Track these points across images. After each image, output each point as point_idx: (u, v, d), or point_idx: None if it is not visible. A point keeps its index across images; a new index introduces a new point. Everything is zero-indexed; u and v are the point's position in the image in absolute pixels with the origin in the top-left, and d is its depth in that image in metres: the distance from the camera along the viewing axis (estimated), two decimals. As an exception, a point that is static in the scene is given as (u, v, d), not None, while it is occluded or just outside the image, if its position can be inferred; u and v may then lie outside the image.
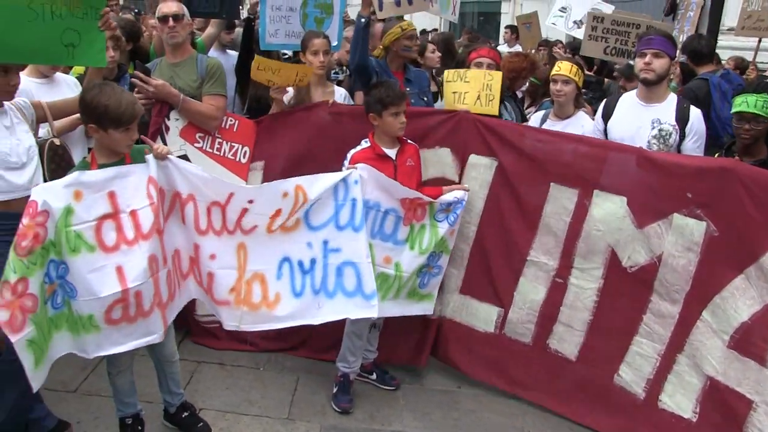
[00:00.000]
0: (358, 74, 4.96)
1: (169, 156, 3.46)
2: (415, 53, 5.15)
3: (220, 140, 4.69)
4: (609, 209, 4.05)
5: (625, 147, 4.17)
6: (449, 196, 4.27)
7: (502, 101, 4.82)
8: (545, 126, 4.92)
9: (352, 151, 4.16)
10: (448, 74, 4.76)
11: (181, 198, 3.56)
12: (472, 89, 4.61)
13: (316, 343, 4.78)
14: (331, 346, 4.57)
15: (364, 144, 4.19)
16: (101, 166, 3.24)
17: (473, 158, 4.46)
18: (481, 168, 4.44)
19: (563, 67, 4.86)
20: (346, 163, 4.10)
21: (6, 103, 3.37)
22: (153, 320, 3.33)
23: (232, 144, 4.71)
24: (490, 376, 4.57)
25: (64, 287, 3.14)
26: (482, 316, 4.57)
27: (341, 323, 4.19)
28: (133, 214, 3.25)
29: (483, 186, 4.45)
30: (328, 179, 3.86)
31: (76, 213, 3.10)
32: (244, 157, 4.74)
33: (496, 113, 4.67)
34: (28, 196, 3.24)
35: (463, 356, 4.66)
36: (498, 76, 4.64)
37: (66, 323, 3.20)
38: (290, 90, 4.78)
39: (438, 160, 4.53)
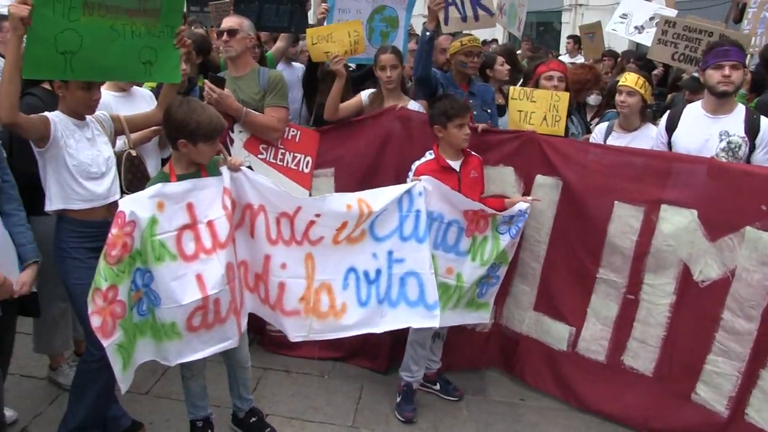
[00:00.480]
0: (421, 86, 5.00)
1: (241, 167, 3.57)
2: (471, 69, 5.13)
3: (283, 151, 4.79)
4: (679, 223, 4.00)
5: (694, 158, 4.09)
6: (512, 209, 4.27)
7: (567, 115, 4.79)
8: (610, 138, 4.88)
9: (417, 163, 4.21)
10: (514, 92, 4.76)
11: (253, 209, 3.67)
12: (538, 109, 4.63)
13: (375, 352, 4.84)
14: (393, 357, 4.65)
15: (429, 156, 4.23)
16: (179, 177, 3.37)
17: (539, 178, 4.49)
18: (547, 188, 4.47)
19: (629, 79, 4.80)
20: (411, 174, 4.16)
21: (88, 117, 3.52)
22: (229, 326, 3.45)
23: (295, 154, 4.80)
24: (564, 392, 4.56)
25: (149, 295, 3.27)
26: (555, 333, 4.58)
27: (404, 333, 4.22)
28: (209, 224, 3.37)
29: (550, 206, 4.47)
30: (392, 192, 3.93)
31: (160, 223, 3.23)
32: (306, 166, 4.82)
33: (563, 133, 4.68)
34: (108, 205, 3.45)
35: (537, 371, 4.68)
36: (565, 96, 4.64)
37: (150, 330, 3.33)
38: (364, 97, 4.88)
39: (500, 178, 4.56)
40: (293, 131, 4.83)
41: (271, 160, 4.77)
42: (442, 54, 5.82)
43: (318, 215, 3.82)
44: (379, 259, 3.95)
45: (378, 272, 3.95)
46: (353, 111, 4.89)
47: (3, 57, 4.34)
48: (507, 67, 6.25)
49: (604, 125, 5.10)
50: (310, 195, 4.73)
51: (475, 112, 4.97)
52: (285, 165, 4.80)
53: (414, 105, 4.88)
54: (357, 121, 4.83)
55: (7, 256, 3.24)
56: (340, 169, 4.80)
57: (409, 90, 5.25)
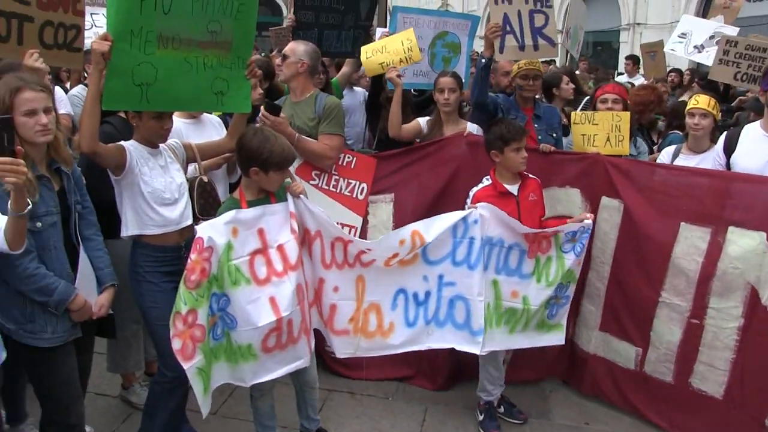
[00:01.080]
0: (478, 111, 5.03)
1: (300, 195, 3.68)
2: (529, 92, 5.12)
3: (337, 177, 4.79)
4: (747, 245, 3.92)
5: (762, 178, 4.02)
6: (574, 226, 4.21)
7: (631, 136, 4.76)
8: (678, 160, 4.82)
9: (474, 189, 4.24)
10: (576, 116, 4.79)
11: (310, 234, 3.77)
12: (601, 131, 4.64)
13: (438, 373, 4.86)
14: (455, 377, 4.74)
15: (486, 182, 4.26)
16: (250, 203, 3.48)
17: (605, 200, 4.50)
18: (612, 209, 4.47)
19: (701, 101, 4.72)
20: (469, 201, 4.18)
21: (161, 145, 3.67)
22: (301, 346, 3.54)
23: (350, 180, 4.80)
24: (632, 408, 4.53)
25: (224, 319, 3.38)
26: (622, 353, 4.55)
27: (466, 354, 4.21)
28: (280, 248, 3.48)
29: (613, 227, 4.47)
30: (447, 221, 3.95)
31: (235, 248, 3.35)
32: (361, 193, 4.81)
33: (627, 152, 4.67)
34: (181, 230, 3.58)
35: (610, 388, 4.65)
36: (626, 116, 4.64)
37: (224, 354, 3.43)
38: (422, 123, 4.92)
39: (567, 200, 4.58)
40: (348, 157, 4.84)
41: (324, 186, 4.78)
42: (505, 77, 5.84)
43: (369, 249, 3.89)
44: (430, 281, 4.00)
45: (427, 294, 4.01)
46: (412, 135, 4.96)
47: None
48: (572, 86, 6.22)
49: (671, 148, 5.01)
50: (366, 221, 4.80)
51: (539, 137, 4.97)
52: (338, 191, 4.80)
53: (473, 127, 4.90)
54: (420, 147, 4.88)
55: (87, 280, 3.37)
56: (400, 194, 4.83)
57: (466, 114, 5.28)
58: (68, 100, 5.70)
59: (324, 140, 4.62)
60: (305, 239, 3.76)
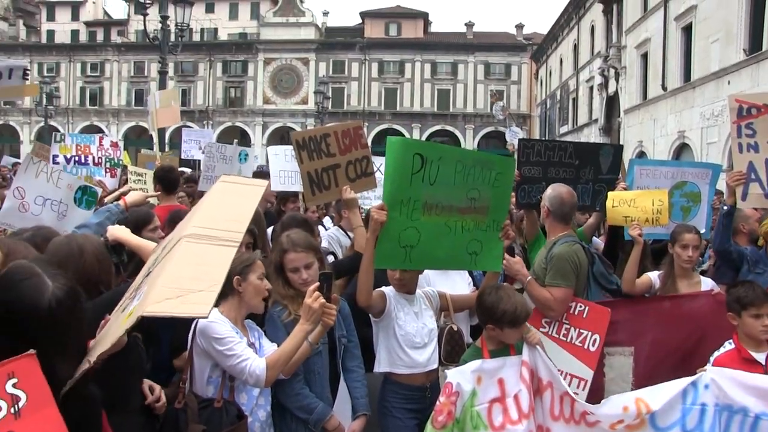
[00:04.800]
0: (721, 260, 4.97)
1: (537, 345, 3.86)
2: None
3: (568, 326, 4.59)
4: None
5: None
6: None
7: None
8: None
9: (716, 354, 4.05)
10: None
11: (542, 384, 3.88)
12: None
13: None
14: None
15: (728, 346, 4.04)
16: (491, 353, 3.78)
17: None
18: None
19: None
20: (709, 365, 3.96)
21: (418, 291, 4.14)
22: None
23: (581, 330, 4.52)
24: None
25: None
26: None
27: None
28: (515, 397, 3.71)
29: None
30: (673, 387, 3.79)
31: (478, 395, 3.64)
32: (593, 345, 4.49)
33: None
34: (427, 372, 3.96)
35: None
36: None
37: None
38: (653, 278, 4.92)
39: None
40: (581, 306, 4.58)
41: (554, 334, 4.59)
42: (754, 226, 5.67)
43: (593, 413, 3.86)
44: None
45: None
46: (644, 290, 4.89)
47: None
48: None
49: None
50: (602, 373, 4.64)
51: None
52: (569, 341, 4.58)
53: (707, 282, 4.80)
54: (661, 299, 4.79)
55: (344, 406, 3.86)
56: (641, 348, 4.66)
57: None
58: (326, 238, 6.28)
59: (549, 290, 4.51)
60: (538, 387, 3.92)
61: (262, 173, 8.90)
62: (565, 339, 4.58)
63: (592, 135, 35.83)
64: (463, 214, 3.92)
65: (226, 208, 2.71)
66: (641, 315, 4.78)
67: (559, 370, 4.04)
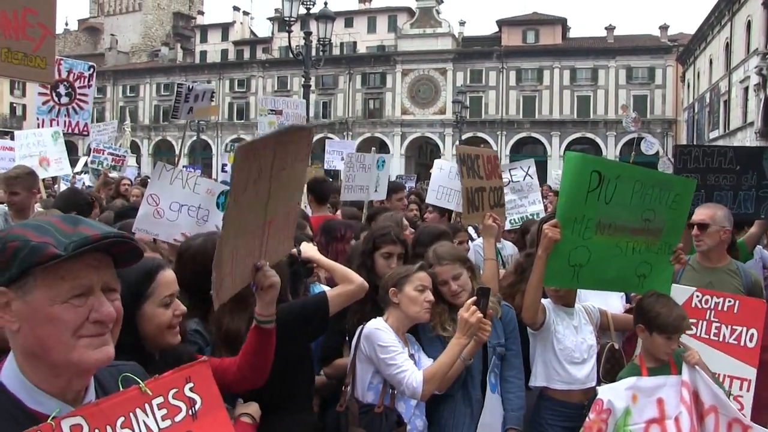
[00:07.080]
0: None
1: (696, 364, 3.64)
2: None
3: (718, 324, 4.37)
4: None
5: None
6: None
7: None
8: None
9: None
10: None
11: (704, 408, 3.64)
12: None
13: None
14: None
15: None
16: (650, 371, 3.62)
17: None
18: None
19: None
20: None
21: (577, 305, 4.05)
22: None
23: (734, 327, 4.33)
24: None
25: None
26: None
27: None
28: (676, 420, 3.51)
29: None
30: None
31: (633, 415, 3.50)
32: (750, 340, 4.28)
33: None
34: (585, 389, 3.83)
35: None
36: None
37: None
38: None
39: None
40: (729, 301, 4.35)
41: (703, 335, 4.39)
42: None
43: None
44: None
45: None
46: None
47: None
48: None
49: None
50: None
51: None
52: (721, 340, 4.37)
53: None
54: None
55: (494, 417, 3.75)
56: None
57: None
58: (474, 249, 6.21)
59: None
60: (698, 411, 3.71)
61: (396, 185, 8.98)
62: (716, 338, 4.30)
63: (747, 139, 33.97)
64: (634, 235, 3.81)
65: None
66: None
67: (715, 374, 3.86)
